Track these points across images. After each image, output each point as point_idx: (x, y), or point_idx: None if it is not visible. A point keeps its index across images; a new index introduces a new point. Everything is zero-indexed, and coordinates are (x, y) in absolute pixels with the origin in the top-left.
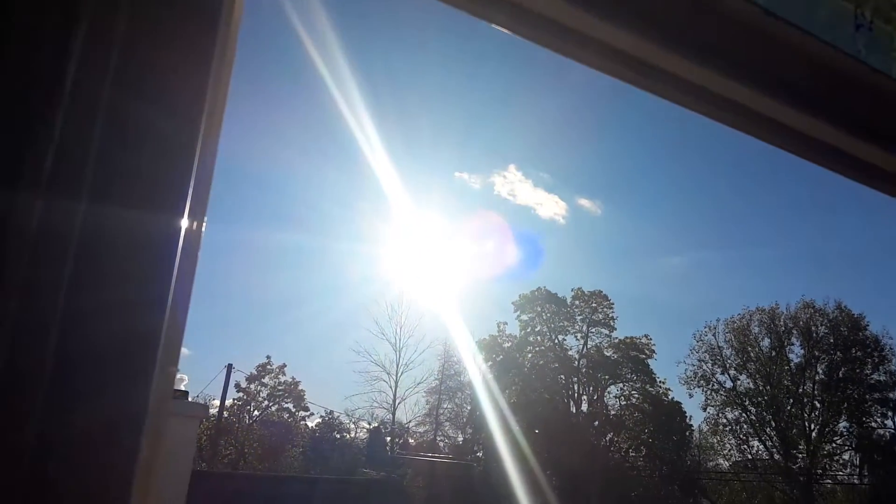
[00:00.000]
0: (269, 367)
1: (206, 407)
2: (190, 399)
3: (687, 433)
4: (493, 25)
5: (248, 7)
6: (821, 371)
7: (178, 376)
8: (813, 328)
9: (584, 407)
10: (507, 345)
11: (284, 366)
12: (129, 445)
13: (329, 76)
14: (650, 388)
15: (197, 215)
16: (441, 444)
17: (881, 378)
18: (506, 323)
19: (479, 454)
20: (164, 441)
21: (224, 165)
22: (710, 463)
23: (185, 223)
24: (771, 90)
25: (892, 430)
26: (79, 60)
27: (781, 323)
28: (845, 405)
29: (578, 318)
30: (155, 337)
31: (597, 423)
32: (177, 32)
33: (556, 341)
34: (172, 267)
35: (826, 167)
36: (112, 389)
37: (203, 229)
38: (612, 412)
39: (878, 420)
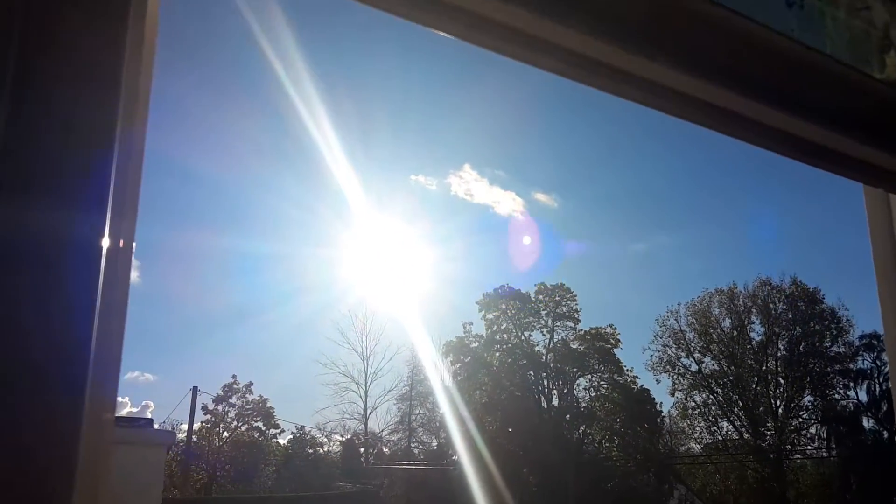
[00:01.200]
0: (235, 386)
1: (172, 433)
2: (156, 426)
3: (658, 420)
4: (447, 35)
5: None
6: (782, 347)
7: (144, 402)
8: (771, 305)
9: (555, 401)
10: (474, 345)
11: (251, 384)
12: (64, 465)
13: (286, 78)
14: (618, 378)
15: (125, 216)
16: (416, 450)
17: (840, 350)
18: (471, 323)
19: (455, 458)
20: (109, 461)
21: (174, 167)
22: (683, 447)
23: (108, 220)
24: (705, 73)
25: (855, 401)
26: None
27: (740, 302)
28: (808, 379)
29: (543, 312)
30: (84, 348)
31: (568, 416)
32: (84, 8)
33: (523, 338)
34: (97, 271)
35: (767, 147)
36: (40, 405)
37: (134, 231)
38: (583, 404)
39: (841, 391)
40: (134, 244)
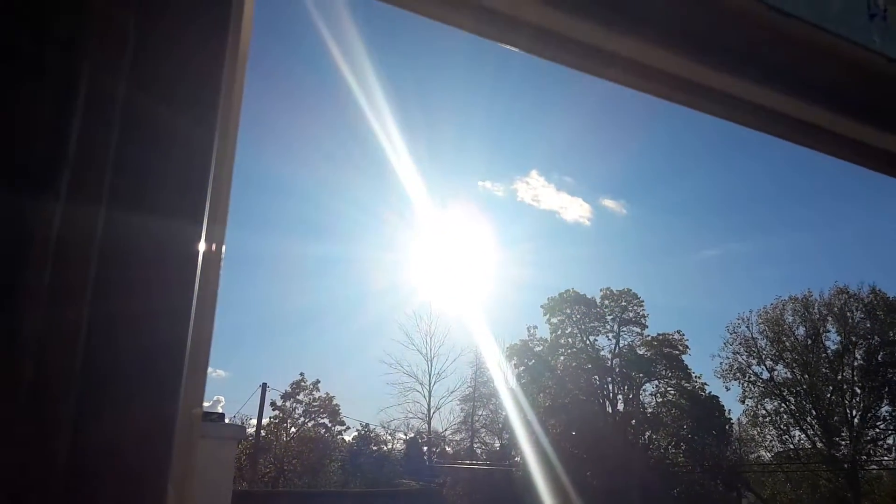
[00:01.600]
0: (302, 383)
1: (243, 428)
2: (227, 420)
3: (726, 427)
4: (514, 49)
5: (264, 8)
6: (859, 356)
7: (215, 398)
8: (848, 314)
9: (620, 406)
10: (538, 348)
11: (318, 382)
12: (160, 457)
13: (356, 86)
14: (686, 384)
15: (217, 221)
16: (478, 451)
17: None
18: (536, 327)
19: (518, 459)
20: (196, 454)
21: (246, 172)
22: (752, 455)
23: (205, 227)
24: (785, 87)
25: None
26: (92, 61)
27: (816, 310)
28: (886, 389)
29: (609, 317)
30: (180, 346)
31: (634, 421)
32: (187, 29)
33: (588, 342)
34: (194, 274)
35: (848, 160)
36: (140, 398)
37: (224, 236)
38: (649, 410)
39: None
40: (224, 248)
